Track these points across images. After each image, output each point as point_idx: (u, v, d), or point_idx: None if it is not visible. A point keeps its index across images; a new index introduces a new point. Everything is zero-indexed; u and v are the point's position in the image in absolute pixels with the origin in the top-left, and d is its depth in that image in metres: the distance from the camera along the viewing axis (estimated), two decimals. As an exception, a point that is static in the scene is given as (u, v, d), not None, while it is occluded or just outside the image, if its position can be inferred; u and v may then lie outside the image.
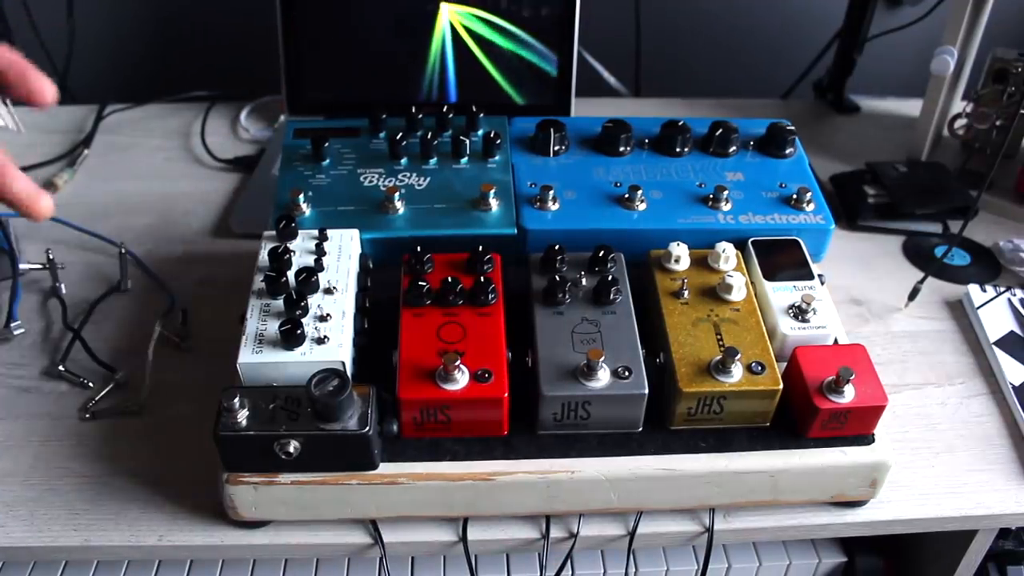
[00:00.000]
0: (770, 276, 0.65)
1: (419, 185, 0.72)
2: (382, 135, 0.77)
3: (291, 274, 0.62)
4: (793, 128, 0.77)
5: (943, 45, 0.92)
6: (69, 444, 0.66)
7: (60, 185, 0.95)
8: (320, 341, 0.57)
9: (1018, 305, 0.81)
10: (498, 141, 0.74)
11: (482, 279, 0.62)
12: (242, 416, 0.54)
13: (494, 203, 0.69)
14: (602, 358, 0.56)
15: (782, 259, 0.67)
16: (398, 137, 0.73)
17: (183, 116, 1.09)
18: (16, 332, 0.76)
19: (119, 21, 1.22)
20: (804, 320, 0.62)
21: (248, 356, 0.57)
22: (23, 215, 0.53)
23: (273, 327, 0.58)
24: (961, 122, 1.00)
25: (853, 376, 0.57)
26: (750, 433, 0.60)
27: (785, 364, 0.61)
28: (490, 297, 0.61)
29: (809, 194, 0.71)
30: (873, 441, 0.60)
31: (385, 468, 0.57)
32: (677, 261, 0.65)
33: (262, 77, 1.04)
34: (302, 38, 0.92)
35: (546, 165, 0.75)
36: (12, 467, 0.64)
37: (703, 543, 0.63)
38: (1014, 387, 0.72)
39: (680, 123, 0.76)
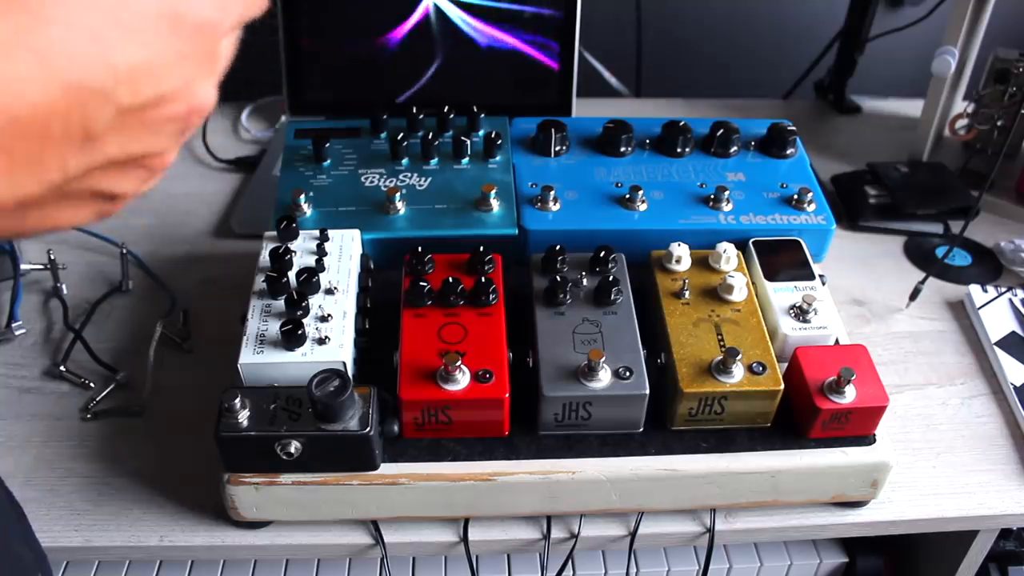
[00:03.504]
0: (771, 276, 0.65)
1: (420, 185, 0.72)
2: (383, 135, 0.77)
3: (292, 274, 0.62)
4: (794, 128, 0.77)
5: (944, 45, 0.92)
6: (70, 444, 0.66)
7: (61, 185, 0.95)
8: (321, 341, 0.57)
9: (1019, 305, 0.81)
10: (499, 141, 0.74)
11: (483, 279, 0.62)
12: (243, 417, 0.54)
13: (495, 203, 0.69)
14: (603, 358, 0.56)
15: (783, 259, 0.67)
16: (399, 137, 0.73)
17: (184, 116, 1.09)
18: (17, 332, 0.76)
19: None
20: (805, 320, 0.62)
21: (249, 356, 0.57)
22: None
23: (274, 327, 0.58)
24: (962, 122, 1.00)
25: (854, 376, 0.57)
26: (751, 433, 0.60)
27: (786, 364, 0.61)
28: (491, 297, 0.61)
29: (810, 194, 0.71)
30: (874, 441, 0.60)
31: (386, 468, 0.57)
32: (678, 261, 0.65)
33: (263, 77, 1.04)
34: (303, 39, 0.92)
35: (547, 165, 0.75)
36: (13, 468, 0.65)
37: (704, 543, 0.63)
38: (1015, 387, 0.72)
39: (681, 123, 0.76)
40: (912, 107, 1.10)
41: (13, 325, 0.76)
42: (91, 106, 0.26)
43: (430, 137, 0.74)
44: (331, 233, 0.66)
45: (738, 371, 0.58)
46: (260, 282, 0.62)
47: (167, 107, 0.29)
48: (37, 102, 0.25)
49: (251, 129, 1.07)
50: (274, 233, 0.66)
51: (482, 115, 0.78)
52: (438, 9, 0.91)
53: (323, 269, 0.63)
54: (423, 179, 0.72)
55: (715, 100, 1.16)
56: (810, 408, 0.58)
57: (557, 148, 0.75)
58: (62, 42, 0.25)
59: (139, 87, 0.27)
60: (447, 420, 0.57)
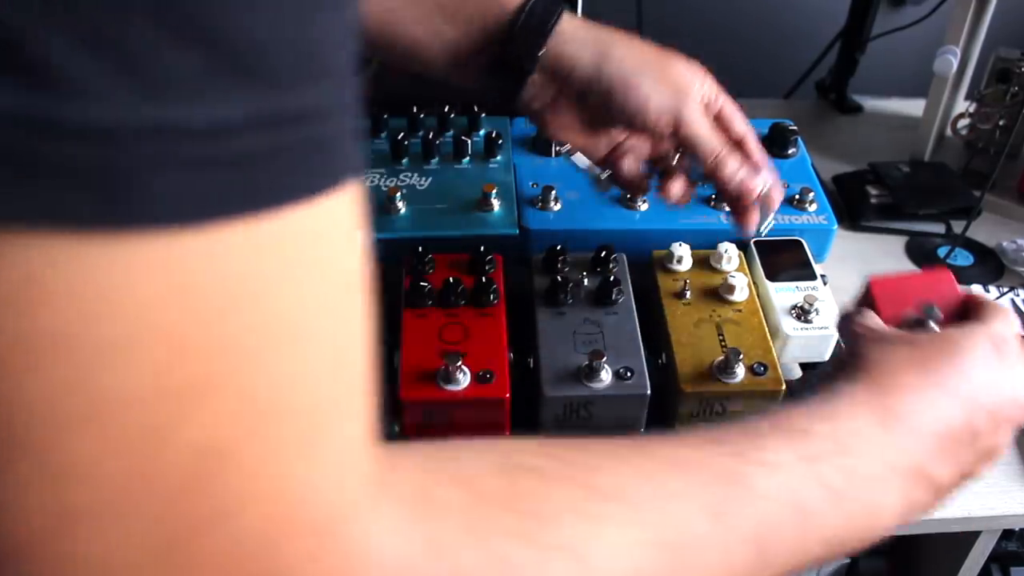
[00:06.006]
0: (772, 276, 0.65)
1: (421, 185, 0.72)
2: (383, 135, 0.77)
3: (292, 274, 0.62)
4: (795, 128, 0.76)
5: (946, 45, 0.92)
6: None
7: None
8: (321, 342, 0.57)
9: (1021, 305, 0.80)
10: (500, 141, 0.74)
11: (484, 279, 0.61)
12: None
13: (496, 203, 0.69)
14: (604, 359, 0.56)
15: (784, 259, 0.67)
16: (399, 137, 0.73)
17: (184, 116, 1.09)
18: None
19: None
20: (807, 320, 0.62)
21: (249, 357, 0.56)
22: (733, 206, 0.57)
23: (274, 328, 0.58)
24: (964, 122, 1.00)
25: (939, 317, 0.46)
26: (753, 434, 0.60)
27: (784, 365, 0.61)
28: (492, 297, 0.61)
29: (812, 194, 0.71)
30: (876, 442, 0.59)
31: (386, 469, 0.57)
32: (679, 261, 0.65)
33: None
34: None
35: (548, 165, 0.74)
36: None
37: (705, 544, 0.62)
38: (1017, 388, 0.72)
39: (682, 123, 0.76)
40: (914, 107, 1.10)
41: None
42: (976, 416, 0.41)
43: (430, 137, 0.73)
44: (331, 233, 0.66)
45: (740, 371, 0.57)
46: (260, 282, 0.62)
47: (1010, 410, 0.43)
48: (958, 424, 0.40)
49: (251, 129, 1.07)
50: (274, 233, 0.66)
51: (483, 115, 0.77)
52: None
53: (323, 269, 0.63)
54: (423, 179, 0.72)
55: (716, 100, 1.16)
56: None
57: (558, 148, 0.75)
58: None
59: (998, 401, 0.42)
60: (448, 421, 0.57)
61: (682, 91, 0.54)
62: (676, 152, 0.59)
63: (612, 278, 0.62)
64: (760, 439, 0.36)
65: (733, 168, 0.56)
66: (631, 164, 0.59)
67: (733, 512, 0.33)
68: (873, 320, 0.47)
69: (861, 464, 0.38)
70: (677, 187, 0.59)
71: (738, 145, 0.57)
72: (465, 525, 0.26)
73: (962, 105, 1.02)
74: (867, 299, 0.50)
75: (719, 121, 0.57)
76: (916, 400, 0.40)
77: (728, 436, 0.36)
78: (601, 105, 0.55)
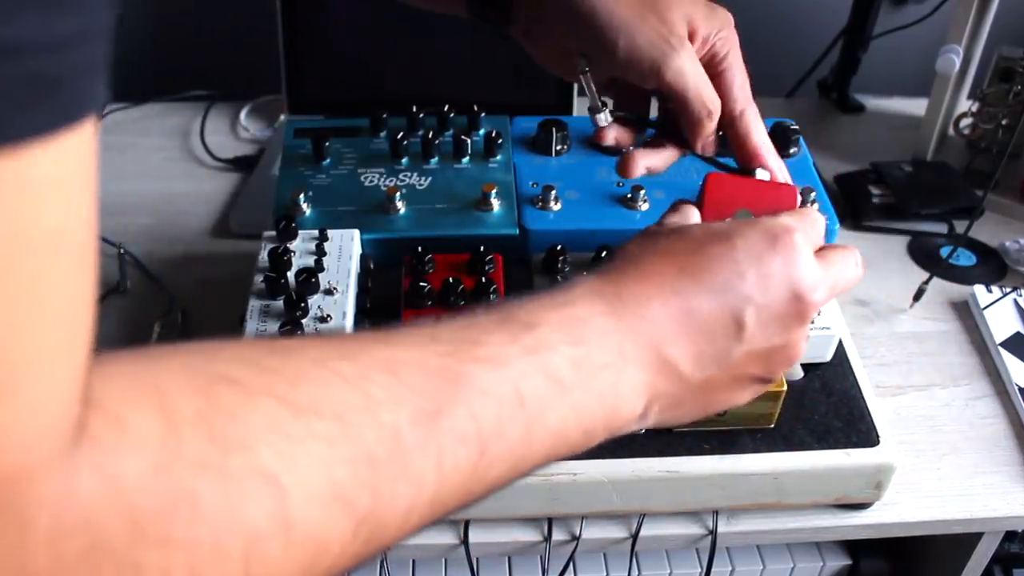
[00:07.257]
0: (774, 277, 0.65)
1: (420, 185, 0.71)
2: (383, 135, 0.76)
3: (291, 275, 0.61)
4: (797, 127, 0.76)
5: (948, 44, 0.92)
6: (68, 446, 0.66)
7: (60, 185, 0.95)
8: (320, 342, 0.57)
9: (1024, 306, 0.80)
10: (499, 141, 0.74)
11: (484, 280, 0.61)
12: (241, 418, 0.53)
13: (495, 203, 0.69)
14: (605, 360, 0.56)
15: (786, 259, 0.66)
16: (399, 137, 0.73)
17: (182, 115, 1.08)
18: (15, 333, 0.76)
19: (117, 19, 1.21)
20: (808, 321, 0.61)
21: (247, 357, 0.56)
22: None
23: (273, 328, 0.58)
24: (966, 121, 1.00)
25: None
26: (754, 435, 0.59)
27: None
28: (492, 298, 0.61)
29: (813, 194, 0.70)
30: (878, 443, 0.59)
31: (385, 471, 0.57)
32: (680, 261, 0.65)
33: (262, 76, 1.03)
34: (302, 37, 0.92)
35: (548, 165, 0.74)
36: (10, 469, 0.64)
37: (706, 546, 0.62)
38: (1020, 388, 0.72)
39: (683, 122, 0.76)
40: (916, 106, 1.10)
41: (11, 325, 0.76)
42: (739, 309, 0.39)
43: (430, 136, 0.73)
44: (330, 233, 0.66)
45: (741, 372, 0.57)
46: (259, 282, 0.61)
47: (789, 306, 0.40)
48: (709, 314, 0.38)
49: (250, 128, 1.07)
50: (273, 233, 0.65)
51: (483, 114, 0.77)
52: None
53: (322, 269, 0.63)
54: (423, 179, 0.72)
55: (717, 99, 1.15)
56: None
57: (558, 147, 0.75)
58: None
59: (772, 296, 0.40)
60: (447, 422, 0.57)
61: (674, 32, 0.48)
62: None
63: (613, 278, 0.61)
64: (481, 334, 0.35)
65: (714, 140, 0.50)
66: (631, 104, 0.53)
67: (447, 414, 0.32)
68: (679, 217, 0.46)
69: (590, 353, 0.36)
70: (623, 135, 0.53)
71: (730, 123, 0.51)
72: (154, 461, 0.25)
73: (964, 104, 1.02)
74: (700, 195, 0.50)
75: (717, 83, 0.51)
76: (654, 287, 0.39)
77: (446, 332, 0.34)
78: (575, 35, 0.49)
